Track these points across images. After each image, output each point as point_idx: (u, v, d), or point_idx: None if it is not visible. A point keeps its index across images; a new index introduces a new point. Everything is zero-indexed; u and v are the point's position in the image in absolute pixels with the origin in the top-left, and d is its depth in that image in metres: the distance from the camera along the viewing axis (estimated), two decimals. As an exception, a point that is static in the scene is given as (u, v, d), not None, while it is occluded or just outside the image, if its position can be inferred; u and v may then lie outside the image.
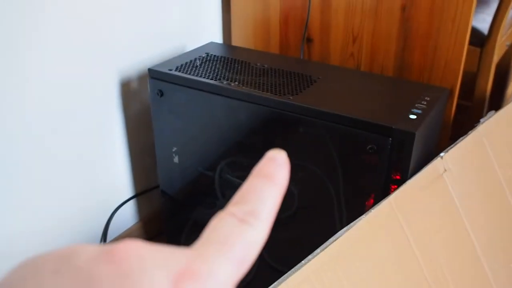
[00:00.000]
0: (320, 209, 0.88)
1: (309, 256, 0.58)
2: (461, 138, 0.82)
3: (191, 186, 1.05)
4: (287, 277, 0.56)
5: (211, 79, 0.92)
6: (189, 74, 0.94)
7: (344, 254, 0.61)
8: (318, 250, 0.59)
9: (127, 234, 1.16)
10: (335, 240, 0.61)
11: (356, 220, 0.64)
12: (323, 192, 0.85)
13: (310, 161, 0.84)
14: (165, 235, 1.17)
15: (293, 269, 0.57)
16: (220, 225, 0.19)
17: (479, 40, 1.16)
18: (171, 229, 1.14)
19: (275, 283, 0.55)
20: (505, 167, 0.86)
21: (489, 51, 1.14)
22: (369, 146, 0.76)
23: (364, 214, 0.65)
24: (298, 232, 0.91)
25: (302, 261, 0.58)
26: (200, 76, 0.92)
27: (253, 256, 0.19)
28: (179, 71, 0.95)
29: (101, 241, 1.08)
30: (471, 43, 1.08)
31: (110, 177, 1.09)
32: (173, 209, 1.11)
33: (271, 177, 0.21)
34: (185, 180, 1.04)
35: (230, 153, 0.94)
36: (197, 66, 0.98)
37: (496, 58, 1.16)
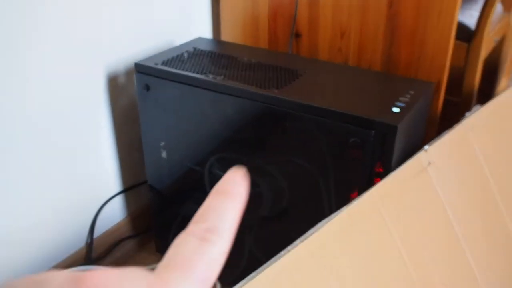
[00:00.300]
0: (306, 202, 0.88)
1: (289, 247, 0.58)
2: (445, 131, 0.82)
3: (179, 181, 1.05)
4: (266, 267, 0.56)
5: (197, 73, 0.92)
6: (176, 68, 0.94)
7: (324, 245, 0.61)
8: (298, 241, 0.59)
9: (115, 230, 1.16)
10: (315, 231, 0.61)
11: (337, 212, 0.64)
12: (309, 185, 0.85)
13: (295, 154, 0.84)
14: (153, 230, 1.17)
15: (272, 260, 0.57)
16: (182, 245, 0.20)
17: (467, 36, 1.16)
18: (159, 225, 1.14)
19: (254, 273, 0.55)
20: (490, 160, 0.86)
21: (476, 46, 1.14)
22: (352, 139, 0.76)
23: (345, 206, 0.65)
24: (284, 225, 0.91)
25: (281, 252, 0.58)
26: (187, 70, 0.92)
27: (216, 272, 0.19)
28: (166, 65, 0.95)
29: (87, 237, 1.08)
30: (459, 38, 1.08)
31: (97, 172, 1.09)
32: (161, 205, 1.11)
33: (229, 194, 0.21)
34: (173, 175, 1.04)
35: (218, 147, 0.94)
36: (184, 60, 0.98)
37: (483, 53, 1.16)
